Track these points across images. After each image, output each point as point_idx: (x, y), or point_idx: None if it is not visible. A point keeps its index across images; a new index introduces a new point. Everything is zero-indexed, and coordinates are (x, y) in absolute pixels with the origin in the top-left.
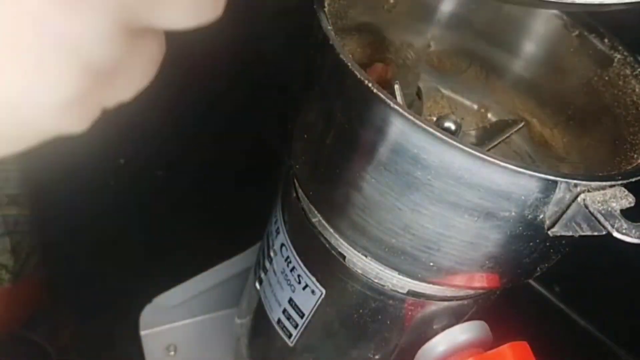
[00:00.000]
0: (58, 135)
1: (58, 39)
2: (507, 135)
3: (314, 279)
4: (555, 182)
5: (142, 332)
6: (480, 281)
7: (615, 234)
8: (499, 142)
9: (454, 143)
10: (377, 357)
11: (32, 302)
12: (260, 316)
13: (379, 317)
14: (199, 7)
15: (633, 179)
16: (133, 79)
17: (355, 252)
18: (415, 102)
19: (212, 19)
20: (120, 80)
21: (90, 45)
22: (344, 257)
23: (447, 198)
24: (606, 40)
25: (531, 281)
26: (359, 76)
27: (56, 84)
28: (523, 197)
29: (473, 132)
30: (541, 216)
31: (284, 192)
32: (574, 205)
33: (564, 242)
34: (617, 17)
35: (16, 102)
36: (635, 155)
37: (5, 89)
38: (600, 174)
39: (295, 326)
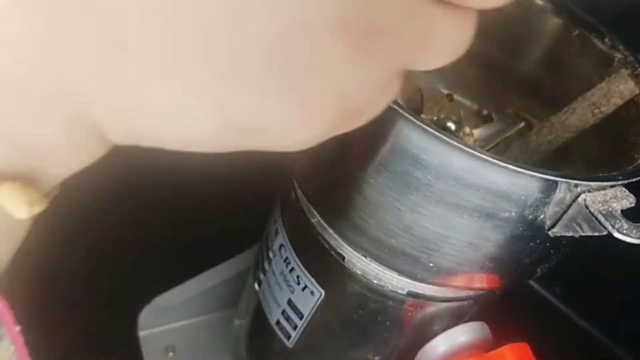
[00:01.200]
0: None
1: (339, 86)
2: (508, 135)
3: (313, 280)
4: (556, 182)
5: (141, 333)
6: (481, 282)
7: (616, 235)
8: (500, 142)
9: (454, 143)
10: (376, 358)
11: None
12: (259, 317)
13: (379, 318)
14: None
15: (634, 179)
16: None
17: (355, 252)
18: (416, 102)
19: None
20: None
21: (357, 94)
22: (343, 258)
23: (447, 198)
24: (606, 40)
25: (532, 282)
26: None
27: (314, 122)
28: (523, 198)
29: (473, 132)
30: (541, 216)
31: (283, 193)
32: (574, 206)
33: (564, 242)
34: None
35: (271, 131)
36: (636, 155)
37: (271, 117)
38: (600, 174)
39: (294, 327)
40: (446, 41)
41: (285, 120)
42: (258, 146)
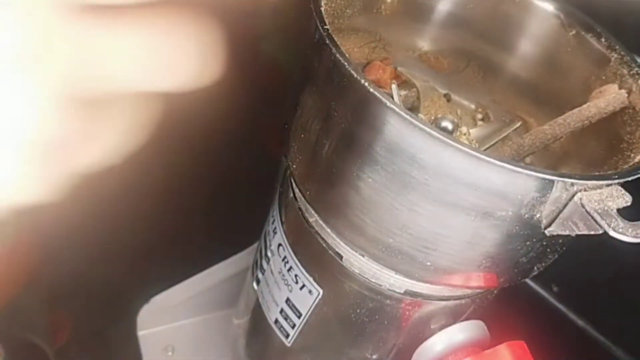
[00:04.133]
0: (25, 205)
1: None
2: (505, 134)
3: (311, 279)
4: (552, 181)
5: (140, 333)
6: (478, 280)
7: (612, 233)
8: (496, 142)
9: (451, 142)
10: (374, 356)
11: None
12: (257, 316)
13: (377, 316)
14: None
15: (630, 178)
16: (109, 144)
17: (353, 252)
18: (413, 102)
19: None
20: (90, 148)
21: (31, 123)
22: (341, 257)
23: (444, 198)
24: (603, 40)
25: (529, 280)
26: (355, 76)
27: None
28: (520, 197)
29: (470, 132)
30: (538, 215)
31: (281, 192)
32: (570, 205)
33: (560, 241)
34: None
35: None
36: (632, 154)
37: None
38: (596, 173)
39: (293, 326)
40: None
41: None
42: None
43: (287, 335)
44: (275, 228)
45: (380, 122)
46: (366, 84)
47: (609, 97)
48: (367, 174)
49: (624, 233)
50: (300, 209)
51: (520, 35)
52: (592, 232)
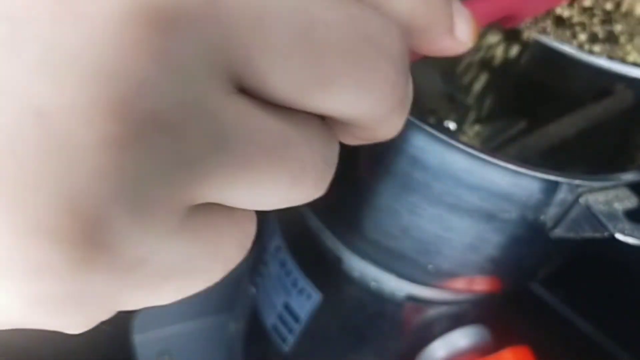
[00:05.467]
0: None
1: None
2: (508, 135)
3: (310, 283)
4: (557, 182)
5: (135, 337)
6: (481, 284)
7: (618, 236)
8: (500, 143)
9: (454, 143)
10: None
11: None
12: (255, 321)
13: (377, 321)
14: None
15: (636, 180)
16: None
17: (353, 255)
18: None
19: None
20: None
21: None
22: (341, 261)
23: (447, 199)
24: None
25: (532, 284)
26: None
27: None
28: (524, 198)
29: (473, 132)
30: (543, 217)
31: None
32: (576, 207)
33: (566, 244)
34: None
35: None
36: (638, 156)
37: None
38: (602, 175)
39: (291, 331)
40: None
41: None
42: None
43: (285, 340)
44: (273, 231)
45: None
46: None
47: (615, 97)
48: (367, 175)
49: (630, 235)
50: (299, 211)
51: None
52: (598, 235)
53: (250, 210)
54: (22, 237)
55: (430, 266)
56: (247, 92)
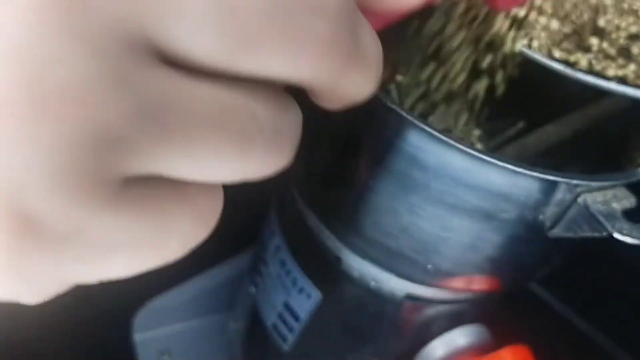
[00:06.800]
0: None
1: None
2: (507, 135)
3: (309, 282)
4: (556, 182)
5: (136, 337)
6: (480, 284)
7: (616, 235)
8: (499, 142)
9: (453, 143)
10: None
11: None
12: (255, 320)
13: (377, 320)
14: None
15: (634, 180)
16: (128, 255)
17: (352, 254)
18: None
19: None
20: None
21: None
22: (340, 260)
23: (446, 199)
24: None
25: (531, 283)
26: None
27: None
28: (523, 198)
29: (472, 132)
30: (541, 217)
31: (280, 194)
32: (574, 206)
33: (564, 243)
34: None
35: None
36: (637, 155)
37: None
38: (601, 175)
39: (291, 330)
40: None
41: None
42: None
43: (285, 339)
44: (273, 230)
45: (380, 122)
46: None
47: (614, 97)
48: (366, 175)
49: (629, 235)
50: (298, 210)
51: None
52: (596, 234)
53: (209, 186)
54: None
55: (429, 266)
56: (175, 62)
